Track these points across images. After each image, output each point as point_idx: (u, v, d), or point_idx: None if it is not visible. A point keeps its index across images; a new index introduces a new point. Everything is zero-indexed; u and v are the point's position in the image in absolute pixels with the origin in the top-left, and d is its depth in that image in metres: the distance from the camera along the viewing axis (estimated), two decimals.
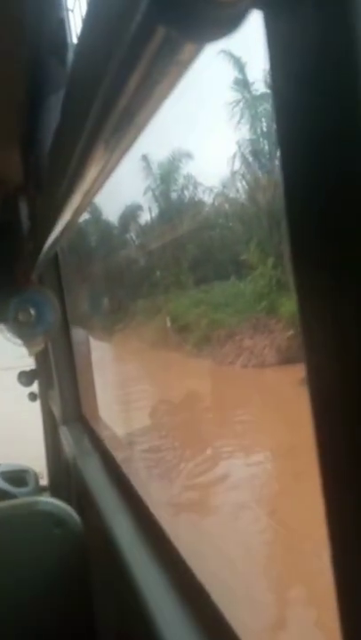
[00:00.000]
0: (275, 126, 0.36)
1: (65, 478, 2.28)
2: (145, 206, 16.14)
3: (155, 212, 16.02)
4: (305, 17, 0.31)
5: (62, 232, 1.32)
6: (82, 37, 0.63)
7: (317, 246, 0.33)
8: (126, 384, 10.87)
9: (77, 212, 1.10)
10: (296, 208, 0.35)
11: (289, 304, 10.37)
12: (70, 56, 1.10)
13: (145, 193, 15.72)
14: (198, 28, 0.32)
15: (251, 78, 12.63)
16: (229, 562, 4.11)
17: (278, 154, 0.35)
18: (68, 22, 1.14)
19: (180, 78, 0.43)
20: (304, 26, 0.31)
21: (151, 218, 16.17)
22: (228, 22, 0.32)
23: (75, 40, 1.13)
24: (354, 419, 0.31)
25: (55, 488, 2.69)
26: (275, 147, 12.89)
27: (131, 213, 16.44)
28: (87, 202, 1.02)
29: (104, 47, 0.47)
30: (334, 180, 0.31)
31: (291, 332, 9.87)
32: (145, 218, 16.34)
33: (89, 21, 0.57)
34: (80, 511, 1.54)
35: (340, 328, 0.32)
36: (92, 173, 0.75)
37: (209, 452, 6.79)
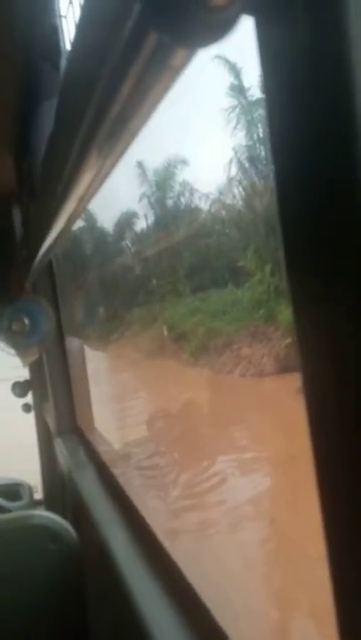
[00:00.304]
0: (267, 131, 0.36)
1: (60, 491, 2.27)
2: (140, 213, 16.20)
3: (150, 219, 16.08)
4: (296, 22, 0.31)
5: (56, 239, 1.32)
6: (75, 43, 0.64)
7: (311, 254, 0.34)
8: (122, 395, 10.85)
9: (71, 219, 1.10)
10: (289, 215, 0.36)
11: (287, 311, 10.38)
12: (63, 62, 1.11)
13: (140, 200, 15.78)
14: (190, 33, 0.33)
15: (247, 84, 12.74)
16: (229, 574, 4.08)
17: (271, 159, 0.36)
18: (62, 28, 1.16)
19: (173, 83, 0.43)
20: (295, 31, 0.31)
21: (147, 225, 16.22)
22: (220, 27, 0.33)
23: (68, 46, 1.15)
24: (350, 425, 0.32)
25: (50, 502, 2.67)
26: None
27: (126, 221, 16.49)
28: (81, 208, 1.02)
29: (97, 53, 0.48)
30: (327, 186, 0.31)
31: (289, 340, 9.88)
32: (140, 225, 16.39)
33: (82, 27, 0.58)
34: (75, 525, 1.53)
35: (334, 335, 0.32)
36: (85, 179, 0.76)
37: (207, 463, 6.76)
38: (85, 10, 0.57)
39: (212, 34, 0.33)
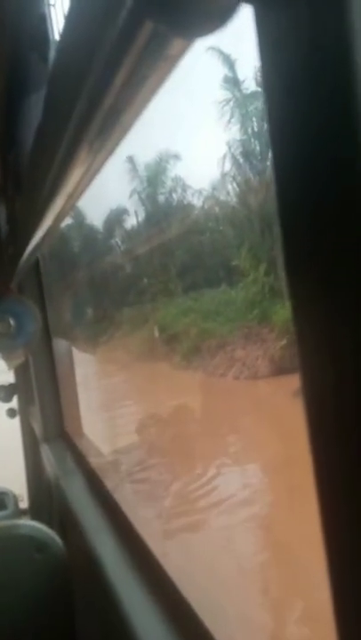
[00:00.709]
0: (266, 123, 0.36)
1: (46, 499, 2.26)
2: (131, 210, 16.19)
3: (141, 215, 16.07)
4: (295, 10, 0.31)
5: (44, 237, 1.32)
6: (64, 33, 0.63)
7: (310, 252, 0.34)
8: (111, 400, 10.82)
9: (60, 216, 1.10)
10: (288, 211, 0.36)
11: (282, 312, 10.42)
12: (52, 53, 1.11)
13: (131, 196, 15.77)
14: (188, 23, 0.33)
15: (241, 76, 12.77)
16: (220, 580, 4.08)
17: (270, 152, 0.36)
18: (50, 18, 1.15)
19: (169, 74, 0.43)
20: (295, 19, 0.31)
21: (137, 222, 16.21)
22: (218, 16, 0.32)
23: (57, 36, 1.15)
24: (349, 426, 0.32)
25: (36, 510, 2.66)
26: (266, 147, 13.02)
27: (116, 217, 16.47)
28: (70, 205, 1.02)
29: (88, 43, 0.48)
30: (327, 179, 0.31)
31: (284, 342, 9.91)
32: (131, 222, 16.38)
33: (72, 16, 0.58)
34: (62, 534, 1.53)
35: (333, 334, 0.32)
36: (75, 175, 0.76)
37: (200, 469, 6.76)
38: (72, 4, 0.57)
39: (211, 23, 0.33)
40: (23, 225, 1.42)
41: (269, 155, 0.37)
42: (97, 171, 0.76)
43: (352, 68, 0.28)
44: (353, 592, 0.34)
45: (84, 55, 0.49)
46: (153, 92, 0.46)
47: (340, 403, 0.32)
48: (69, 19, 0.59)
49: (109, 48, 0.42)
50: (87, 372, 11.37)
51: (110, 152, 0.65)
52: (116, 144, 0.62)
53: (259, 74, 0.38)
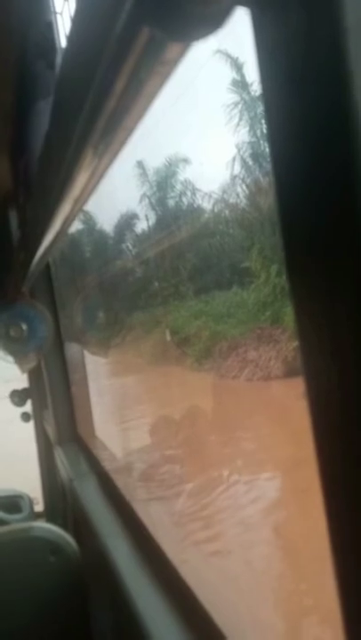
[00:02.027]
0: (265, 127, 0.37)
1: (61, 502, 2.27)
2: (141, 214, 16.23)
3: (151, 220, 16.10)
4: (291, 13, 0.31)
5: (53, 241, 1.33)
6: (70, 41, 0.64)
7: (311, 251, 0.34)
8: (124, 403, 10.84)
9: (68, 220, 1.11)
10: (288, 211, 0.36)
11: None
12: (59, 60, 1.12)
13: (141, 200, 15.82)
14: (183, 27, 0.33)
15: (249, 79, 12.75)
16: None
17: (269, 154, 0.36)
18: (57, 25, 1.17)
19: (168, 78, 0.44)
20: (291, 22, 0.31)
21: (148, 226, 16.24)
22: (213, 20, 0.33)
23: (63, 43, 1.16)
24: (353, 424, 0.32)
25: (51, 513, 2.67)
26: None
27: (126, 222, 16.52)
28: (78, 209, 1.03)
29: (91, 50, 0.48)
30: (327, 181, 0.32)
31: (296, 343, 9.86)
32: (141, 226, 16.42)
33: (76, 24, 0.59)
34: (76, 536, 1.54)
35: (335, 332, 0.32)
36: (82, 179, 0.77)
37: (215, 471, 6.76)
38: (80, 6, 0.58)
39: (206, 27, 0.33)
40: (33, 229, 1.43)
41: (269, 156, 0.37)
42: (103, 173, 0.76)
43: (347, 68, 0.29)
44: (359, 585, 0.34)
45: (89, 61, 0.50)
46: (153, 95, 0.46)
47: (344, 399, 0.33)
48: (74, 26, 0.60)
49: (110, 55, 0.43)
50: (99, 375, 11.39)
51: (115, 154, 0.66)
52: (121, 146, 0.63)
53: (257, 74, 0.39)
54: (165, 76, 0.43)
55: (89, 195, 0.87)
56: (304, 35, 0.31)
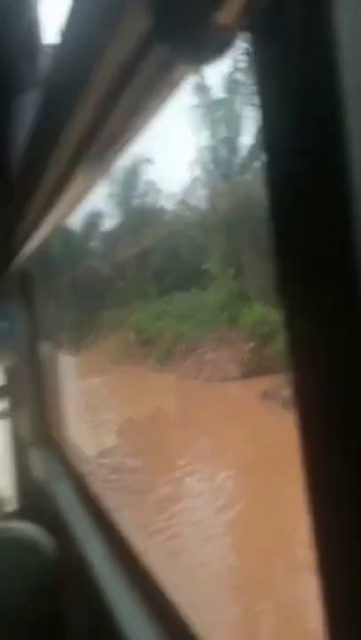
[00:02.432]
0: (261, 140, 0.39)
1: (35, 502, 2.26)
2: (106, 213, 16.08)
3: (116, 219, 15.97)
4: (292, 39, 0.34)
5: (36, 245, 1.33)
6: (64, 40, 0.63)
7: (300, 255, 0.36)
8: (90, 403, 10.70)
9: (52, 219, 1.10)
10: (280, 214, 0.38)
11: (250, 314, 10.55)
12: (42, 56, 1.11)
13: (106, 199, 15.66)
14: (195, 52, 0.35)
15: (209, 83, 12.84)
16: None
17: (264, 161, 0.39)
18: (39, 25, 1.16)
19: (170, 99, 0.47)
20: (290, 49, 0.34)
21: (113, 225, 16.10)
22: (222, 46, 0.35)
23: (47, 40, 1.15)
24: (338, 424, 0.34)
25: (25, 512, 2.64)
26: (233, 153, 13.15)
27: (92, 221, 16.31)
28: (64, 209, 1.02)
29: (89, 52, 0.50)
30: (318, 188, 0.34)
31: (253, 344, 10.02)
32: (106, 225, 16.25)
33: (71, 25, 0.58)
34: (52, 535, 1.52)
35: (323, 329, 0.35)
36: (68, 180, 0.78)
37: (174, 471, 6.80)
38: (73, 10, 0.56)
39: (215, 52, 0.36)
40: (14, 231, 1.41)
41: (259, 167, 0.41)
42: (91, 189, 0.79)
43: (341, 90, 0.32)
44: (342, 591, 0.36)
45: (81, 65, 0.52)
46: (150, 116, 0.49)
47: (330, 401, 0.34)
48: (68, 29, 0.60)
49: (116, 71, 0.45)
50: (67, 376, 11.20)
51: (106, 172, 0.68)
52: (114, 162, 0.66)
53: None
54: (169, 98, 0.46)
55: (77, 198, 0.88)
56: (302, 60, 0.34)
